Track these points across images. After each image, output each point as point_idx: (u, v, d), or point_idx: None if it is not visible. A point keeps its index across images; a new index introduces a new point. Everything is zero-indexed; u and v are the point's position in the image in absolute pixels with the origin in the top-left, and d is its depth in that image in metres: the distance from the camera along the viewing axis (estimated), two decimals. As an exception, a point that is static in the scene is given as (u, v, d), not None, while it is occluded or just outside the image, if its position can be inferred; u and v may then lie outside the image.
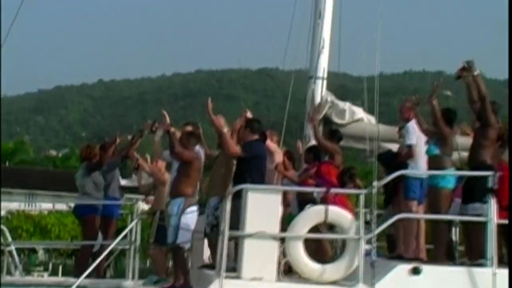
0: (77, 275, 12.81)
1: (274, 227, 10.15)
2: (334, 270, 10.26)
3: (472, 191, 10.98)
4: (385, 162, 12.66)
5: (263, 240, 10.06)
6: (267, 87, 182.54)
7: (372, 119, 15.12)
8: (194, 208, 11.29)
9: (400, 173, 11.25)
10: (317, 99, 14.94)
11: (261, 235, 10.01)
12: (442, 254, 11.22)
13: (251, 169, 11.98)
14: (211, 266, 11.97)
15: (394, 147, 14.37)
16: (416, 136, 12.30)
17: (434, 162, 11.44)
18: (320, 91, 15.08)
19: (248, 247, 10.07)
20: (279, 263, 10.16)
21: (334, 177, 12.03)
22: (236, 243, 11.69)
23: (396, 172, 11.13)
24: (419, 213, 11.92)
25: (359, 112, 14.98)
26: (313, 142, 14.28)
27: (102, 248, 13.38)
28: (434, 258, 11.12)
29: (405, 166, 12.21)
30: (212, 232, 11.21)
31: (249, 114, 13.95)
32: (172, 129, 11.67)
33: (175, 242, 11.08)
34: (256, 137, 12.43)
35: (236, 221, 11.63)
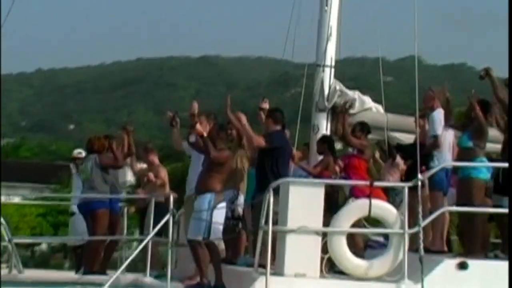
0: (87, 271, 12.40)
1: (317, 222, 9.74)
2: (379, 266, 9.91)
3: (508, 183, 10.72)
4: (408, 152, 12.34)
5: (305, 235, 9.64)
6: (208, 74, 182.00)
7: (380, 108, 14.80)
8: (224, 204, 10.81)
9: (447, 164, 10.89)
10: (326, 88, 14.41)
11: (304, 230, 9.59)
12: (479, 247, 10.93)
13: (277, 160, 11.60)
14: (228, 261, 11.56)
15: (403, 136, 14.10)
16: (441, 126, 12.02)
17: (467, 154, 11.14)
18: (328, 80, 14.54)
19: (290, 242, 9.64)
20: (322, 259, 9.77)
21: (365, 171, 11.67)
22: (255, 239, 11.31)
23: (442, 164, 10.77)
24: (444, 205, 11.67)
25: (368, 102, 14.61)
26: (323, 133, 13.91)
27: (113, 243, 12.94)
28: (470, 251, 10.80)
29: (430, 156, 11.94)
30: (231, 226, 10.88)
31: (266, 105, 13.56)
32: (200, 128, 11.11)
33: (208, 238, 10.57)
34: (279, 127, 12.04)
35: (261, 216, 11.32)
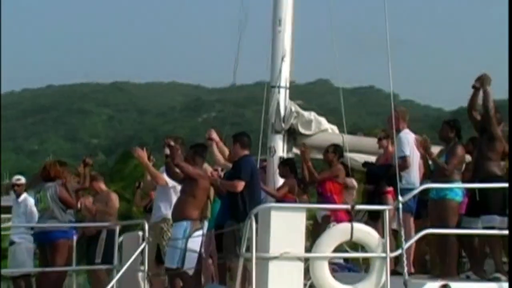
0: None
1: (300, 248, 9.47)
2: (360, 291, 9.68)
3: (485, 203, 10.67)
4: (375, 174, 12.24)
5: (288, 262, 9.36)
6: (120, 101, 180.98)
7: (335, 130, 14.69)
8: (200, 232, 10.47)
9: (427, 186, 10.78)
10: (281, 109, 14.16)
11: (287, 257, 9.31)
12: (454, 268, 10.86)
13: (250, 187, 11.38)
14: None
15: (359, 157, 13.99)
16: (409, 147, 11.95)
17: (443, 175, 11.06)
18: (284, 101, 14.28)
19: (273, 269, 9.33)
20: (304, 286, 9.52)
21: (339, 195, 11.51)
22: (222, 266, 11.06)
23: (422, 186, 10.65)
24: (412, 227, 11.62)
25: (324, 123, 14.48)
26: (280, 154, 13.74)
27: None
28: (446, 273, 10.70)
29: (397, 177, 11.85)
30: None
31: (215, 135, 13.32)
32: (172, 142, 10.79)
33: (182, 267, 10.21)
34: (247, 152, 11.81)
35: (233, 244, 11.04)
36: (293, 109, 14.07)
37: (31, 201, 14.81)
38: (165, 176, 11.68)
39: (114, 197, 14.26)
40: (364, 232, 9.75)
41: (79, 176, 13.79)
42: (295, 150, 14.21)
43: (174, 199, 11.55)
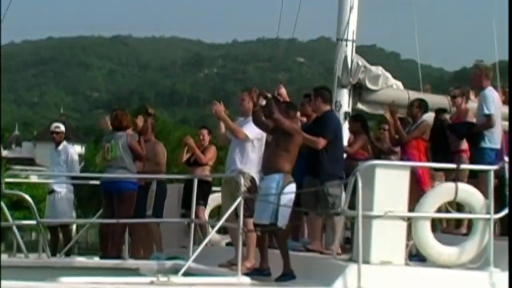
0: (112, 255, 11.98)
1: (403, 207, 9.20)
2: (462, 253, 9.43)
3: None
4: (460, 132, 11.90)
5: (392, 221, 9.09)
6: (121, 55, 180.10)
7: (400, 85, 14.30)
8: (294, 185, 10.05)
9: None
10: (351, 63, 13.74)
11: (391, 216, 9.04)
12: None
13: (330, 144, 11.06)
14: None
15: (427, 115, 13.59)
16: (494, 105, 11.62)
17: None
18: (350, 54, 13.83)
19: (377, 228, 9.08)
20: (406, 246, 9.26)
21: (424, 153, 11.19)
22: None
23: None
24: None
25: (390, 78, 14.09)
26: (345, 109, 13.38)
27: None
28: None
29: (481, 136, 11.55)
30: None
31: (283, 89, 12.96)
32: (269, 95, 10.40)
33: (275, 223, 9.86)
34: (328, 107, 11.46)
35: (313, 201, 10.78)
36: (360, 63, 13.66)
37: (71, 149, 14.56)
38: (245, 130, 11.27)
39: (161, 148, 13.94)
40: (469, 192, 9.49)
41: (136, 126, 13.44)
42: (360, 106, 13.86)
43: (250, 153, 11.13)
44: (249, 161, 11.04)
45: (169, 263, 11.24)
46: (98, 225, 13.79)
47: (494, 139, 11.58)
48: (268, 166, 10.06)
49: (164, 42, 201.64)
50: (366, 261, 8.95)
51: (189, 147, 14.19)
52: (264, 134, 10.90)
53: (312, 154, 10.98)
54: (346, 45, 13.78)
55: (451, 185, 9.45)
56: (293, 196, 9.87)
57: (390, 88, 13.91)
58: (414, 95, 13.66)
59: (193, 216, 11.22)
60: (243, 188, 9.95)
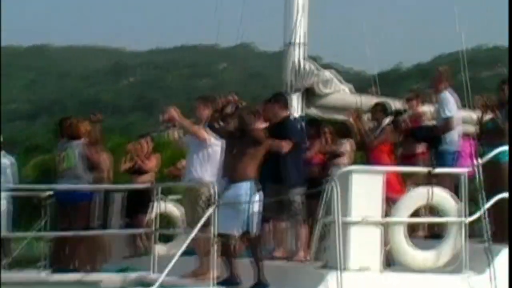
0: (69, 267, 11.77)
1: (379, 212, 9.15)
2: (437, 257, 9.42)
3: None
4: (420, 136, 11.94)
5: (368, 227, 9.04)
6: (40, 64, 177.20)
7: (348, 89, 14.22)
8: (261, 193, 9.89)
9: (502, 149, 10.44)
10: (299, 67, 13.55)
11: (368, 222, 8.98)
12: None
13: (293, 150, 10.97)
14: None
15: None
16: (454, 107, 11.66)
17: (491, 138, 10.80)
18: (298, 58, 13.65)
19: (354, 234, 9.00)
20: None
21: (390, 157, 11.19)
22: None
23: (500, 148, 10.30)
24: None
25: (342, 82, 13.99)
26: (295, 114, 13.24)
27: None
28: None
29: (441, 139, 11.60)
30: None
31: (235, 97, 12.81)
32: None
33: (248, 232, 9.69)
34: (287, 112, 11.37)
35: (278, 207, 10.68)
36: (311, 67, 13.52)
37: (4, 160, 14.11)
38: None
39: (107, 156, 13.68)
40: (442, 196, 9.47)
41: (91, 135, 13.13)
42: (312, 110, 13.74)
43: (209, 160, 10.91)
44: (207, 168, 10.85)
45: (132, 276, 11.05)
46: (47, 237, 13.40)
47: (454, 142, 11.62)
48: (236, 174, 9.88)
49: (85, 51, 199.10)
50: (344, 268, 8.84)
51: (132, 155, 13.99)
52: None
53: (274, 160, 10.84)
54: (294, 49, 13.58)
55: (425, 189, 9.42)
56: (261, 203, 9.76)
57: (340, 92, 13.81)
58: (363, 99, 13.60)
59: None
60: (213, 197, 9.71)
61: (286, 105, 11.38)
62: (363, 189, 9.02)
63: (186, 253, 12.22)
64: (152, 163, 14.22)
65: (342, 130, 13.05)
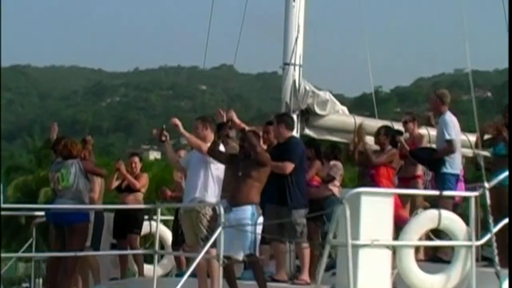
0: None
1: (388, 235, 9.02)
2: (445, 281, 9.29)
3: None
4: (421, 158, 11.87)
5: (377, 250, 8.90)
6: (20, 84, 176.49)
7: (346, 110, 14.20)
8: (262, 218, 9.86)
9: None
10: (299, 88, 13.46)
11: (376, 244, 8.85)
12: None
13: (296, 171, 10.88)
14: None
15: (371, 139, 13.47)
16: (454, 130, 11.61)
17: (502, 162, 10.75)
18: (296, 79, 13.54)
19: (363, 257, 8.85)
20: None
21: (391, 181, 11.09)
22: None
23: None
24: None
25: (338, 104, 13.97)
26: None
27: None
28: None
29: (442, 162, 11.54)
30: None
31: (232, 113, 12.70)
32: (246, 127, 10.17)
33: (254, 253, 9.60)
34: (292, 133, 11.29)
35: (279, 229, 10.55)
36: (307, 88, 13.46)
37: None
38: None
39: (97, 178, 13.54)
40: (451, 219, 9.37)
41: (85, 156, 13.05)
42: (308, 131, 13.66)
43: (211, 180, 10.77)
44: (210, 189, 10.73)
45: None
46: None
47: (455, 165, 11.62)
48: (239, 198, 9.81)
49: (64, 71, 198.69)
50: (352, 291, 8.68)
51: (121, 173, 13.89)
52: None
53: (276, 181, 10.74)
54: (294, 69, 13.53)
55: (434, 212, 9.31)
56: (261, 227, 9.72)
57: (337, 113, 13.76)
58: (360, 120, 13.55)
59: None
60: (220, 218, 9.54)
61: (291, 125, 11.30)
62: (372, 212, 8.86)
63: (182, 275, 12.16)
64: (143, 181, 14.12)
65: (330, 152, 13.01)
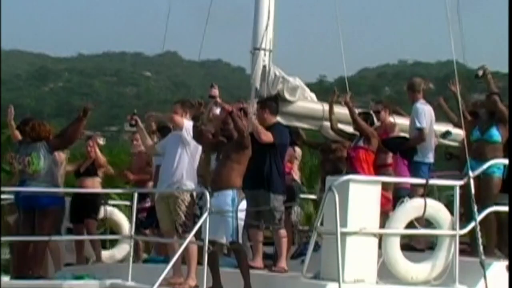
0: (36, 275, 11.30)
1: (375, 223, 9.02)
2: (429, 269, 9.33)
3: None
4: (393, 147, 11.86)
5: (365, 238, 8.90)
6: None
7: (314, 97, 14.08)
8: (244, 202, 9.70)
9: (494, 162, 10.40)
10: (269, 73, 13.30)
11: (364, 232, 8.84)
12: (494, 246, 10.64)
13: (277, 157, 10.77)
14: None
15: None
16: (426, 118, 11.56)
17: (495, 150, 10.80)
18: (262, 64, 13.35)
19: (350, 245, 8.84)
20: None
21: (371, 166, 11.03)
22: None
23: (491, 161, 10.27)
24: None
25: (308, 90, 13.84)
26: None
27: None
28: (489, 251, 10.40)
29: (414, 150, 11.54)
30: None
31: (216, 91, 12.57)
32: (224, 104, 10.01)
33: (236, 240, 9.47)
34: (276, 119, 11.17)
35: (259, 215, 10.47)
36: (277, 73, 13.29)
37: None
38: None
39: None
40: (436, 208, 9.40)
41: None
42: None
43: (187, 165, 10.62)
44: (187, 173, 10.59)
45: (105, 283, 10.68)
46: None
47: (427, 153, 11.55)
48: (220, 182, 9.67)
49: (6, 55, 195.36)
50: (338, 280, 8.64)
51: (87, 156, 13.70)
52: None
53: (258, 167, 10.62)
54: (265, 54, 13.36)
55: (420, 201, 9.32)
56: (244, 212, 9.59)
57: (305, 99, 13.63)
58: (328, 107, 13.41)
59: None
60: (207, 204, 9.40)
61: (275, 111, 11.15)
62: (360, 199, 8.86)
63: (156, 260, 12.04)
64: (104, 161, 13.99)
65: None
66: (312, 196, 16.41)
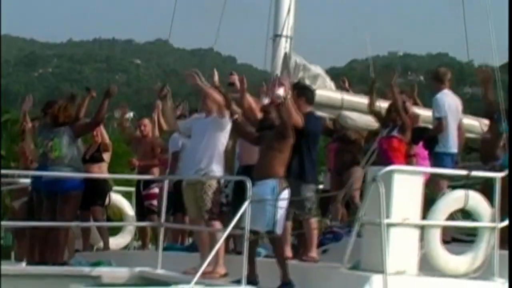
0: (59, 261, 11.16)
1: (417, 214, 8.90)
2: (469, 262, 9.22)
3: None
4: (414, 137, 11.69)
5: (407, 229, 8.78)
6: None
7: (333, 86, 13.87)
8: (287, 191, 9.48)
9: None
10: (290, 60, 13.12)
11: (407, 223, 8.73)
12: None
13: (309, 146, 10.62)
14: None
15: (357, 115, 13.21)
16: (446, 108, 11.42)
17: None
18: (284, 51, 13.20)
19: (393, 236, 8.72)
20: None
21: (405, 156, 10.87)
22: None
23: None
24: None
25: (328, 79, 13.64)
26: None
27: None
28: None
29: (435, 140, 11.41)
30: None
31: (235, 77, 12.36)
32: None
33: (273, 232, 9.30)
34: (311, 108, 10.99)
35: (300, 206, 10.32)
36: (298, 61, 13.12)
37: None
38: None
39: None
40: (477, 200, 9.30)
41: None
42: None
43: (216, 151, 10.42)
44: (215, 160, 10.41)
45: (134, 271, 10.56)
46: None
47: (449, 144, 11.39)
48: (261, 171, 9.48)
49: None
50: (381, 271, 8.53)
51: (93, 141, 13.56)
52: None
53: (292, 156, 10.43)
54: (287, 41, 13.19)
55: (461, 192, 9.22)
56: (286, 202, 9.40)
57: (324, 88, 13.43)
58: (346, 96, 13.26)
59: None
60: (248, 192, 9.20)
61: (311, 101, 10.98)
62: (404, 190, 8.74)
63: (175, 248, 11.91)
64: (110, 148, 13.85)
65: None
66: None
